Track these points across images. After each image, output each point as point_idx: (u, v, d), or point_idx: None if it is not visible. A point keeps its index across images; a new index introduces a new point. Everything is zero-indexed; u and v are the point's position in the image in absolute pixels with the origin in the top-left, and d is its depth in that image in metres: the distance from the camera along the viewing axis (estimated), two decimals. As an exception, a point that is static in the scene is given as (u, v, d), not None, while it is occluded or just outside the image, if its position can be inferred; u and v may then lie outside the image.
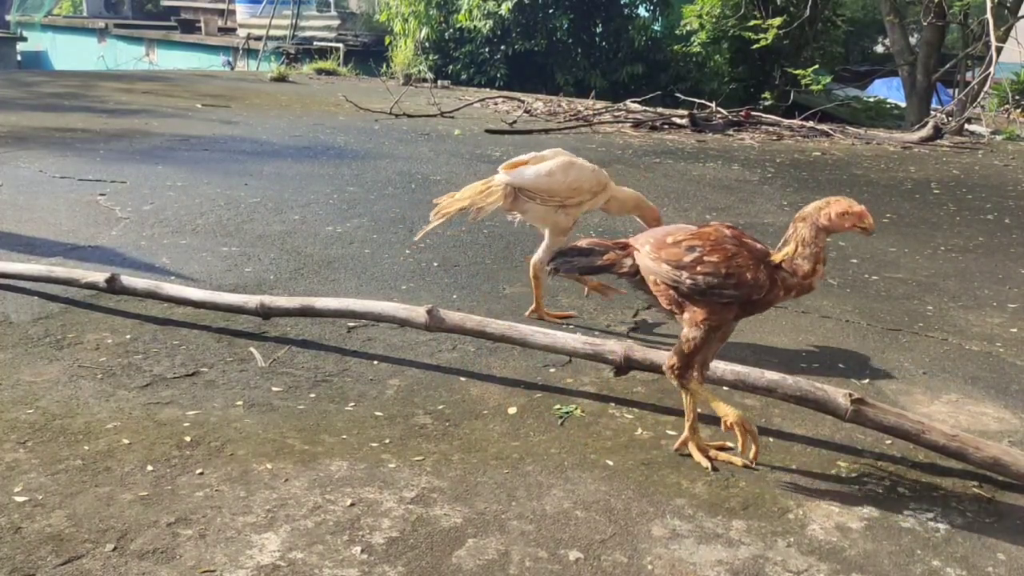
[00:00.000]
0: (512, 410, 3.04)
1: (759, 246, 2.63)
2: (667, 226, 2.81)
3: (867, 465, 2.78)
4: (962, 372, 3.55)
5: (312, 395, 3.10)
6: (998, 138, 11.79)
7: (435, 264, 4.73)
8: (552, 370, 3.41)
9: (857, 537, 2.38)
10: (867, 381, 3.45)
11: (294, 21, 20.17)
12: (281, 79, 14.67)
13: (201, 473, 2.55)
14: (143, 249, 4.75)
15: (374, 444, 2.75)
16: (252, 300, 3.66)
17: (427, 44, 17.00)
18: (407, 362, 3.41)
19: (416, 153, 8.16)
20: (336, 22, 21.39)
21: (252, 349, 3.47)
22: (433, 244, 5.09)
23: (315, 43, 19.50)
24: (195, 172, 6.76)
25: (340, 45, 19.12)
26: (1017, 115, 15.65)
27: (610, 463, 2.70)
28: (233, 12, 22.46)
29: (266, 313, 3.63)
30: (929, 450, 2.77)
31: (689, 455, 2.76)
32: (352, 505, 2.41)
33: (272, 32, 19.84)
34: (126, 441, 2.72)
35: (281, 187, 6.40)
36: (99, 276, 3.85)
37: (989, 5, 11.02)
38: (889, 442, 2.89)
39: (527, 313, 3.98)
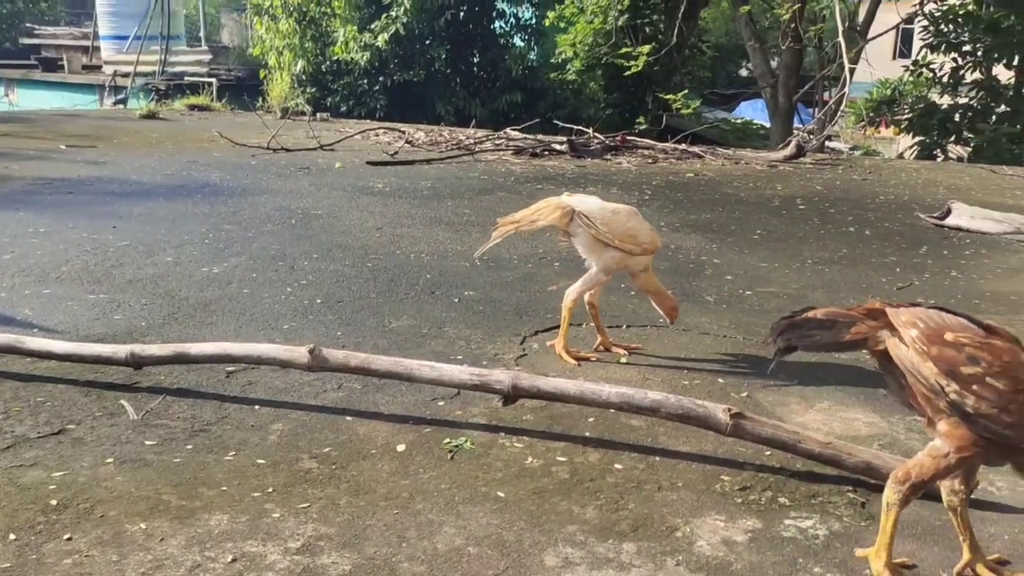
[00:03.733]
0: (401, 447, 2.99)
1: None
2: (940, 312, 2.26)
3: (749, 477, 2.86)
4: (833, 380, 3.70)
5: (189, 446, 2.96)
6: (856, 153, 12.53)
7: (318, 301, 4.63)
8: (441, 403, 3.38)
9: (743, 550, 2.43)
10: (746, 394, 3.56)
11: (163, 57, 19.57)
12: (151, 116, 14.17)
13: (69, 538, 2.40)
14: (2, 301, 4.46)
15: (256, 494, 2.65)
16: (122, 350, 3.48)
17: (304, 77, 16.82)
18: (290, 405, 3.31)
19: (296, 188, 8.01)
20: (207, 56, 20.89)
21: (123, 402, 3.30)
22: (315, 280, 4.99)
23: (186, 78, 18.97)
24: (59, 216, 6.42)
25: (213, 80, 18.66)
26: (872, 131, 16.67)
27: (501, 495, 2.69)
28: (98, 49, 21.62)
29: (137, 363, 3.47)
30: (806, 458, 2.88)
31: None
32: (234, 561, 2.31)
33: (140, 68, 19.18)
34: (-16, 510, 2.53)
35: (152, 228, 6.16)
36: (-49, 333, 3.60)
37: (840, 29, 11.76)
38: (769, 453, 2.99)
39: (548, 344, 3.99)
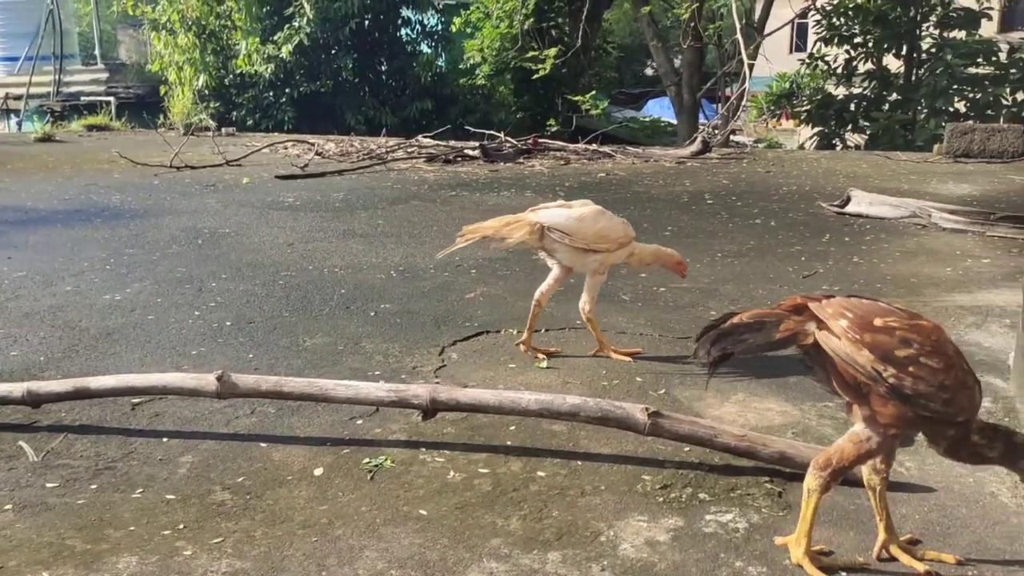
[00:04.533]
0: (318, 471, 2.91)
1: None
2: (859, 299, 2.30)
3: (670, 475, 2.88)
4: (746, 372, 3.76)
5: (93, 486, 2.82)
6: (760, 146, 12.86)
7: (228, 323, 4.49)
8: (359, 422, 3.31)
9: (666, 549, 2.45)
10: (663, 391, 3.60)
11: (57, 77, 18.82)
12: (47, 139, 13.61)
13: (-36, 596, 2.26)
14: None
15: (166, 532, 2.53)
16: (17, 388, 3.30)
17: (206, 91, 16.41)
18: (200, 435, 3.19)
19: (202, 206, 7.79)
20: (104, 75, 20.21)
21: (21, 443, 3.12)
22: (225, 302, 4.85)
23: (83, 98, 18.30)
24: (-54, 249, 6.09)
25: (111, 98, 18.06)
26: (773, 124, 17.17)
27: (424, 512, 2.64)
28: (-13, 71, 20.69)
29: (35, 401, 3.29)
30: (723, 452, 2.91)
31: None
32: (144, 605, 2.21)
33: (33, 90, 18.41)
34: None
35: (50, 257, 5.90)
36: None
37: (738, 26, 12.06)
38: (688, 449, 3.02)
39: (592, 352, 4.02)
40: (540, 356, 3.99)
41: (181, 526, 2.57)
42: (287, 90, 16.41)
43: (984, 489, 2.77)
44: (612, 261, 3.94)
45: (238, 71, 16.39)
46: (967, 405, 2.21)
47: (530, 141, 11.62)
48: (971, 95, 15.09)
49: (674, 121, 17.71)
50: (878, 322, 2.20)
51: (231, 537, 2.51)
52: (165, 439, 3.16)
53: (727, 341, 2.31)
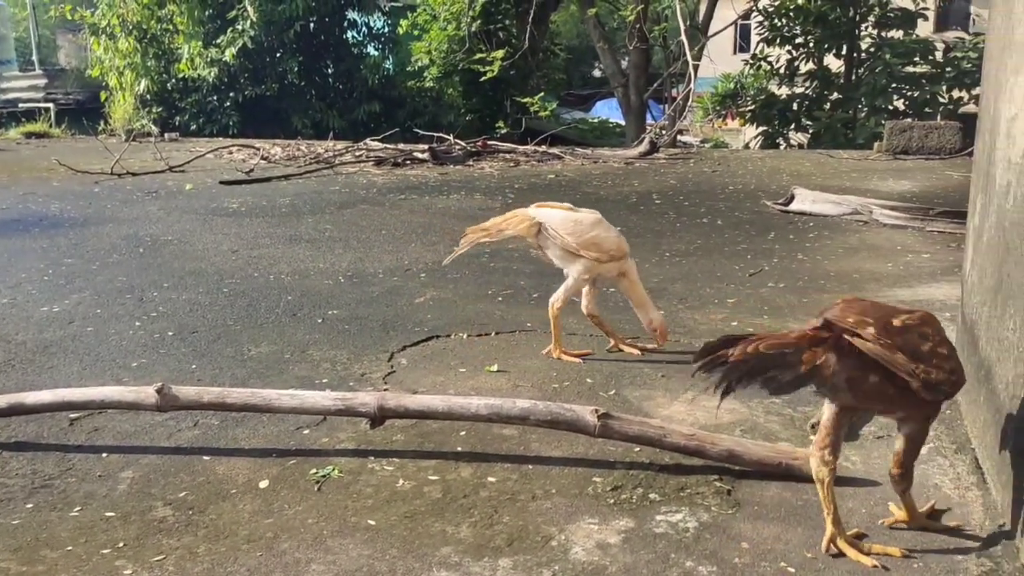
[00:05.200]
0: (264, 483, 2.85)
1: None
2: (864, 302, 2.32)
3: (620, 476, 2.87)
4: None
5: (29, 505, 2.73)
6: (706, 146, 13.01)
7: (170, 333, 4.39)
8: (306, 432, 3.25)
9: (617, 552, 2.44)
10: (613, 392, 3.60)
11: (-8, 84, 18.36)
12: (-19, 146, 13.24)
13: None
14: None
15: (106, 551, 2.45)
16: (-53, 406, 3.18)
17: (148, 96, 16.10)
18: (141, 449, 3.11)
19: (144, 214, 7.63)
20: (43, 81, 19.76)
21: (-48, 464, 3.01)
22: (167, 312, 4.74)
23: (21, 105, 17.86)
24: None
25: (50, 105, 17.64)
26: (719, 124, 17.40)
27: (372, 523, 2.60)
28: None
29: (-33, 419, 3.18)
30: (673, 452, 2.92)
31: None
32: (81, 628, 2.13)
33: (-33, 96, 17.93)
34: None
35: (-16, 268, 5.72)
36: None
37: (682, 28, 12.19)
38: (638, 450, 3.02)
39: (544, 352, 4.03)
40: (635, 351, 4.05)
41: (121, 544, 2.49)
42: (231, 94, 16.17)
43: (928, 481, 2.81)
44: (599, 271, 3.95)
45: (181, 75, 16.12)
46: (962, 386, 2.29)
47: (479, 143, 11.61)
48: (909, 93, 15.47)
49: (622, 122, 17.84)
50: (896, 322, 2.23)
51: (173, 554, 2.44)
52: (104, 455, 3.07)
53: (756, 380, 2.25)
